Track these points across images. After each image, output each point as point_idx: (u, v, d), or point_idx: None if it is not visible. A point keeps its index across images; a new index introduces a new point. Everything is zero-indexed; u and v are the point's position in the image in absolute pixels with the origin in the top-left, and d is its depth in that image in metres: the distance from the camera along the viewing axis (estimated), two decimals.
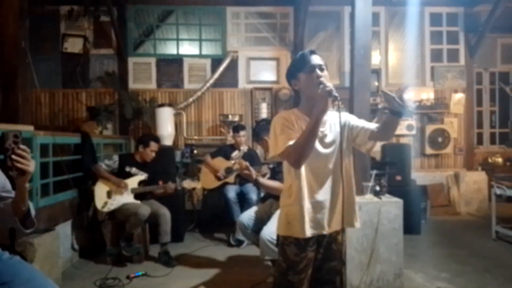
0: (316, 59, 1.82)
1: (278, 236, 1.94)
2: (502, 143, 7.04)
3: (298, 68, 1.84)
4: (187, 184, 4.13)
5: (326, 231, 1.84)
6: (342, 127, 1.86)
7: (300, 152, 1.69)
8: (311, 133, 1.67)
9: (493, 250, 4.32)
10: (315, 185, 1.83)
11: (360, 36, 3.36)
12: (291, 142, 1.71)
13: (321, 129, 1.80)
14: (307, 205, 1.81)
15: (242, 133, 4.85)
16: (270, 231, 2.89)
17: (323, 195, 1.83)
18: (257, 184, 2.98)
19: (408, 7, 6.50)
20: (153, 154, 4.17)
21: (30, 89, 3.91)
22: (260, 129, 3.27)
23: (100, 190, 3.96)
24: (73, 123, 6.25)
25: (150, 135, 4.56)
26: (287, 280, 1.83)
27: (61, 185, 3.89)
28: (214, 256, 4.15)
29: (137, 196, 4.04)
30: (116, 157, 4.16)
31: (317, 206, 1.82)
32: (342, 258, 1.95)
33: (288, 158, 1.75)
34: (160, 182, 4.10)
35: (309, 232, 1.80)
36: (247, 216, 3.39)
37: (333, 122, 1.90)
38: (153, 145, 4.14)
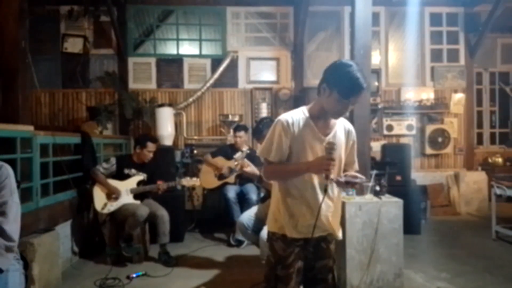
0: (356, 98, 1.74)
1: (268, 232, 1.99)
2: (502, 143, 7.04)
3: (341, 88, 1.70)
4: (186, 182, 4.13)
5: (311, 235, 1.80)
6: (345, 142, 1.92)
7: (274, 178, 1.93)
8: (292, 175, 1.82)
9: (493, 250, 4.32)
10: (306, 188, 1.84)
11: (360, 36, 3.35)
12: (272, 158, 1.83)
13: (326, 137, 1.82)
14: (294, 208, 1.84)
15: (239, 133, 4.84)
16: None
17: (311, 199, 1.83)
18: (261, 181, 3.02)
19: (408, 7, 6.50)
20: (151, 155, 4.16)
21: (30, 89, 3.90)
22: (264, 126, 3.25)
23: (99, 192, 3.96)
24: (73, 123, 6.25)
25: (147, 135, 4.52)
26: (276, 274, 1.87)
27: (61, 185, 3.89)
28: (214, 256, 4.15)
29: (137, 196, 4.04)
30: (113, 160, 4.12)
31: (302, 211, 1.83)
32: (333, 256, 1.97)
33: (264, 171, 1.91)
34: (159, 182, 4.10)
35: (294, 234, 1.84)
36: (247, 216, 3.39)
37: (338, 130, 1.89)
38: (150, 146, 4.13)
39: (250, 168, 3.17)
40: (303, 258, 1.88)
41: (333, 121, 1.87)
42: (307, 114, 1.84)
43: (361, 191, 3.23)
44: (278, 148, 1.80)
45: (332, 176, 1.72)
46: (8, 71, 3.50)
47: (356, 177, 1.76)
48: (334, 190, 1.88)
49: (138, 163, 4.16)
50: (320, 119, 1.83)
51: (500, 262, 3.89)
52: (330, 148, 1.69)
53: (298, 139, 1.80)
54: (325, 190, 1.72)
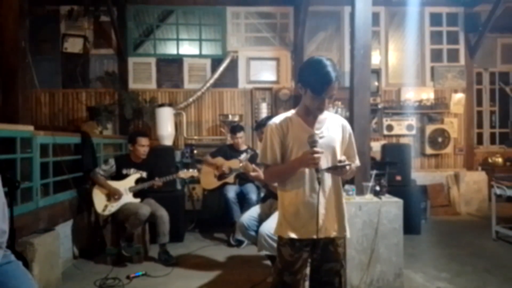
0: (329, 92, 1.78)
1: (278, 237, 1.98)
2: (502, 143, 7.04)
3: (312, 85, 1.78)
4: (184, 174, 4.12)
5: (316, 236, 1.81)
6: (342, 135, 1.96)
7: (274, 179, 2.00)
8: (288, 173, 1.86)
9: (493, 250, 4.32)
10: (308, 188, 1.86)
11: (360, 36, 3.35)
12: (268, 161, 1.90)
13: (317, 131, 1.87)
14: (300, 209, 1.85)
15: (239, 134, 4.84)
16: (270, 226, 2.90)
17: (314, 199, 1.83)
18: (267, 185, 3.05)
19: (408, 7, 6.50)
20: (145, 149, 4.13)
21: (30, 89, 3.90)
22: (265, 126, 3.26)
23: (99, 194, 3.95)
24: (73, 123, 6.25)
25: (136, 131, 4.50)
26: (283, 280, 1.86)
27: (61, 185, 3.89)
28: (214, 256, 4.15)
29: (136, 194, 4.05)
30: (112, 161, 4.11)
31: (309, 210, 1.84)
32: (341, 260, 1.95)
33: (264, 175, 2.03)
34: (157, 179, 4.10)
35: (300, 234, 1.83)
36: (247, 217, 3.38)
37: (330, 125, 1.93)
38: (141, 140, 4.10)
39: (256, 173, 3.18)
40: (310, 263, 1.89)
41: (323, 116, 1.92)
42: (295, 113, 1.93)
43: (361, 191, 3.23)
44: (271, 149, 1.87)
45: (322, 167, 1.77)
46: (8, 71, 3.51)
47: (340, 161, 1.82)
48: (325, 184, 1.87)
49: (137, 162, 4.16)
50: (309, 116, 1.90)
51: (500, 262, 3.89)
52: (312, 141, 1.74)
53: (291, 137, 1.86)
54: (318, 183, 1.75)
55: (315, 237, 1.82)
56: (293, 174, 1.84)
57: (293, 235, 1.83)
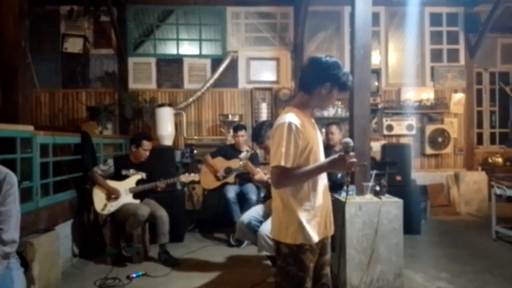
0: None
1: (290, 246, 1.83)
2: (502, 143, 7.04)
3: (341, 84, 1.87)
4: (185, 178, 4.12)
5: (329, 233, 1.94)
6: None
7: (291, 183, 1.79)
8: (313, 176, 1.80)
9: (493, 250, 4.32)
10: (319, 190, 1.88)
11: (360, 36, 3.35)
12: (289, 164, 1.73)
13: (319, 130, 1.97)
14: (316, 211, 1.86)
15: (240, 133, 4.84)
16: (269, 227, 2.89)
17: (324, 199, 1.90)
18: (269, 186, 3.08)
19: (408, 7, 6.51)
20: (147, 153, 4.13)
21: (30, 89, 3.91)
22: (266, 129, 3.20)
23: (99, 193, 3.95)
24: (73, 123, 6.25)
25: (141, 134, 4.48)
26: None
27: (61, 185, 3.89)
28: (214, 256, 4.15)
29: (136, 195, 4.04)
30: (110, 162, 4.11)
31: (322, 210, 1.88)
32: (330, 250, 2.03)
33: (275, 176, 1.79)
34: (159, 181, 4.09)
35: (318, 236, 1.85)
36: (247, 217, 3.39)
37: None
38: (146, 144, 4.10)
39: (259, 176, 3.20)
40: None
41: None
42: (297, 111, 1.87)
43: (361, 191, 3.23)
44: (295, 152, 1.76)
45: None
46: (8, 71, 3.51)
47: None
48: (324, 184, 1.93)
49: (136, 163, 4.15)
50: (306, 114, 1.92)
51: (500, 262, 3.89)
52: (347, 146, 1.75)
53: (309, 136, 1.82)
54: (347, 186, 1.91)
55: (329, 235, 1.94)
56: (314, 177, 1.83)
57: (316, 239, 1.83)
